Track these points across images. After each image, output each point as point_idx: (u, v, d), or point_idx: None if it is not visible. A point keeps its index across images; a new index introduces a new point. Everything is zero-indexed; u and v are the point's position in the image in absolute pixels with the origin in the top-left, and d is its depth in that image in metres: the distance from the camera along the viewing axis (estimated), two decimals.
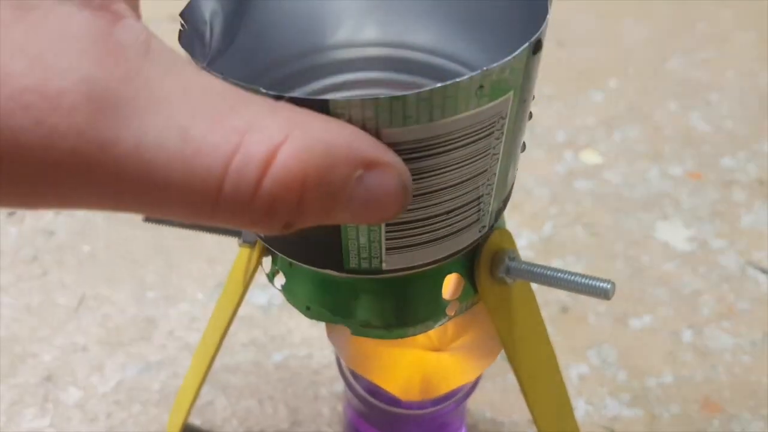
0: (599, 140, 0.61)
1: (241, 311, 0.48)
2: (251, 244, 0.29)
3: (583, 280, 0.24)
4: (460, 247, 0.23)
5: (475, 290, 0.26)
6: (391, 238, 0.21)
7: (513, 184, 0.25)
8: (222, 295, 0.34)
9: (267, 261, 0.29)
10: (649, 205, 0.55)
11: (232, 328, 0.47)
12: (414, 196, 0.20)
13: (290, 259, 0.25)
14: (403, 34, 0.29)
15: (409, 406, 0.32)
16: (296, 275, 0.27)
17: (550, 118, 0.63)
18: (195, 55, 0.22)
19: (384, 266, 0.22)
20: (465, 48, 0.28)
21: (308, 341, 0.46)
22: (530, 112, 0.24)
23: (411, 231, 0.21)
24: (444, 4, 0.28)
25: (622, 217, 0.54)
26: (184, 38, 0.22)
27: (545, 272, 0.25)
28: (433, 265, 0.24)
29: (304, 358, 0.45)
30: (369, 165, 0.16)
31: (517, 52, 0.19)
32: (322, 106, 0.18)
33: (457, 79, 0.18)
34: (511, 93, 0.20)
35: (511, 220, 0.53)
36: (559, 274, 0.25)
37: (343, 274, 0.23)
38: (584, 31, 0.75)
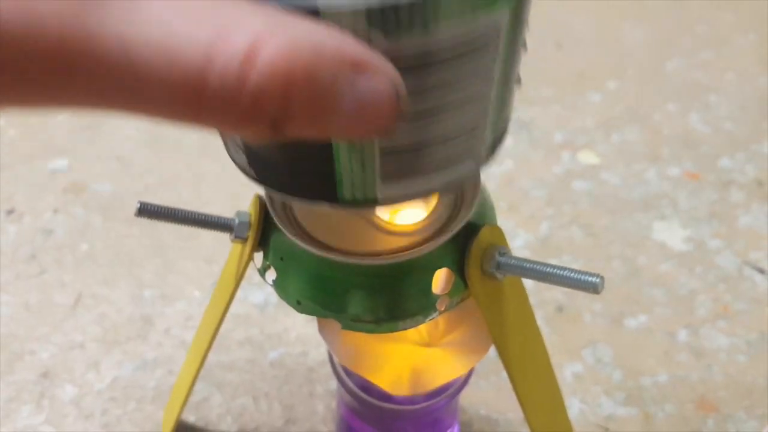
0: (597, 141, 0.61)
1: (237, 310, 0.48)
2: (243, 240, 0.29)
3: (572, 275, 0.25)
4: (455, 178, 0.22)
5: (466, 285, 0.27)
6: (385, 163, 0.20)
7: (509, 120, 0.24)
8: (215, 290, 0.34)
9: (259, 257, 0.29)
10: (647, 206, 0.55)
11: (229, 325, 0.47)
12: (407, 120, 0.19)
13: (282, 192, 0.23)
14: None
15: (401, 401, 0.32)
16: (287, 270, 0.27)
17: (548, 119, 0.63)
18: None
19: (378, 195, 0.21)
20: None
21: (304, 339, 0.46)
22: (525, 41, 0.23)
23: (406, 156, 0.20)
24: None
25: (619, 217, 0.54)
26: None
27: (535, 267, 0.26)
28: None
29: (299, 355, 0.45)
30: (359, 67, 0.15)
31: None
32: (311, 12, 0.17)
33: None
34: (507, 8, 0.19)
35: (507, 221, 0.54)
36: (549, 269, 0.25)
37: (337, 206, 0.22)
38: (583, 33, 0.75)
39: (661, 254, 0.51)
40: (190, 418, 0.42)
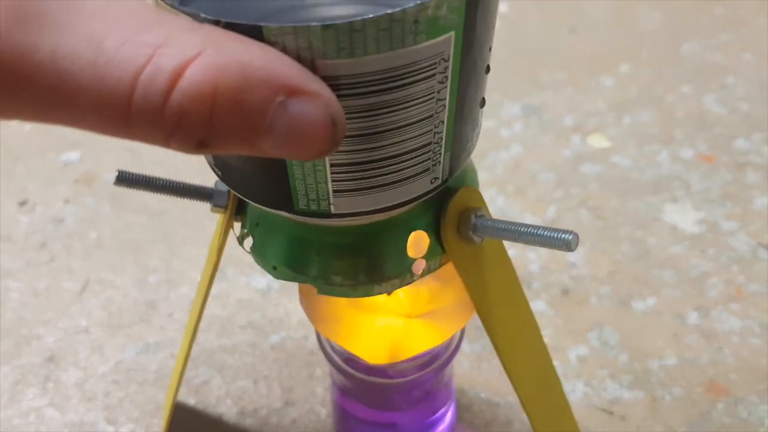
0: (608, 124, 0.60)
1: (240, 294, 0.48)
2: (222, 208, 0.29)
3: (545, 233, 0.24)
4: (411, 196, 0.23)
5: (443, 249, 0.26)
6: (336, 180, 0.21)
7: (474, 139, 0.25)
8: (205, 266, 0.34)
9: (237, 226, 0.29)
10: (658, 188, 0.53)
11: (232, 310, 0.47)
12: (356, 136, 0.20)
13: (245, 198, 0.24)
14: None
15: (388, 374, 0.31)
16: (263, 236, 0.27)
17: (559, 103, 0.62)
18: None
19: (332, 209, 0.22)
20: None
21: (305, 323, 0.46)
22: (488, 66, 0.24)
23: (356, 174, 0.21)
24: None
25: (630, 200, 0.53)
26: None
27: (510, 227, 0.25)
28: (386, 214, 0.23)
29: (300, 339, 0.45)
30: (292, 91, 0.15)
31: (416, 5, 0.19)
32: (254, 32, 0.18)
33: (389, 11, 0.18)
34: (452, 34, 0.20)
35: (514, 204, 0.53)
36: (523, 228, 0.24)
37: (296, 216, 0.23)
38: (597, 16, 0.73)
39: (672, 236, 0.50)
40: (190, 400, 0.42)
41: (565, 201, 0.53)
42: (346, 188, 0.22)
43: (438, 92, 0.21)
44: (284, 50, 0.18)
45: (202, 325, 0.47)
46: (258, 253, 0.27)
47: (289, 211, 0.23)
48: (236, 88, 0.14)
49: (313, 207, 0.23)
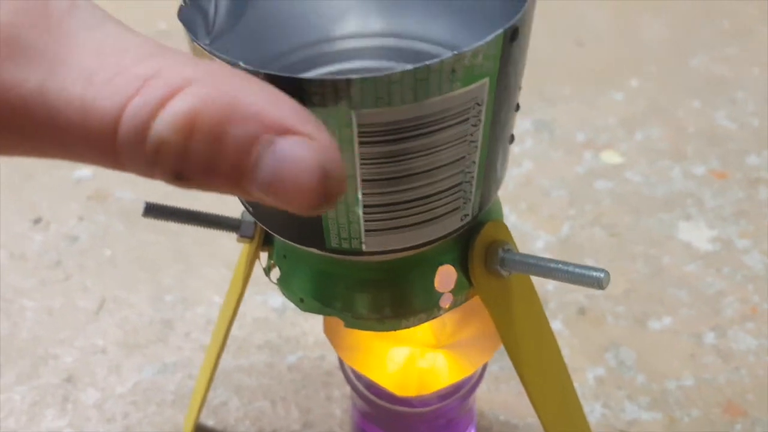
0: (620, 140, 0.60)
1: (256, 313, 0.48)
2: (249, 239, 0.29)
3: (576, 270, 0.24)
4: (442, 234, 0.23)
5: (470, 283, 0.26)
6: (369, 220, 0.21)
7: (502, 175, 0.25)
8: (228, 292, 0.34)
9: (264, 256, 0.29)
10: (671, 205, 0.54)
11: (248, 329, 0.48)
12: (390, 179, 0.20)
13: (275, 234, 0.25)
14: (407, 25, 0.29)
15: (412, 404, 0.31)
16: (290, 268, 0.27)
17: (570, 118, 0.62)
18: (195, 32, 0.23)
19: (364, 248, 0.22)
20: (464, 38, 0.29)
21: (321, 343, 0.46)
22: (517, 104, 0.24)
23: (389, 214, 0.21)
24: None
25: (643, 217, 0.53)
26: (184, 13, 0.23)
27: (539, 263, 0.25)
28: (416, 250, 0.23)
29: (317, 359, 0.45)
30: (283, 130, 0.14)
31: (489, 38, 0.19)
32: (295, 84, 0.18)
33: (428, 62, 0.18)
34: (487, 80, 0.20)
35: (527, 221, 0.53)
36: (553, 265, 0.25)
37: (326, 253, 0.23)
38: (603, 29, 0.74)
39: (686, 254, 0.50)
40: (208, 422, 0.42)
41: (579, 218, 0.53)
42: (379, 228, 0.22)
43: (471, 135, 0.21)
44: (323, 100, 0.18)
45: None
46: (285, 285, 0.27)
47: (320, 249, 0.23)
48: (218, 120, 0.14)
49: (345, 245, 0.23)
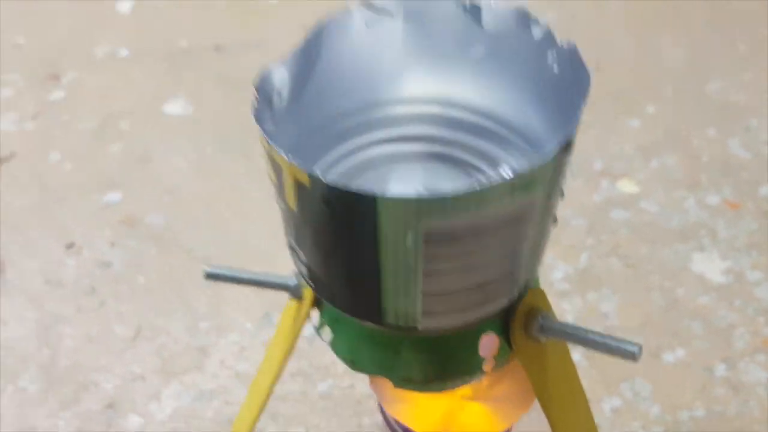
0: (636, 168, 0.61)
1: None
2: (300, 299, 0.31)
3: (611, 342, 0.26)
4: (491, 312, 0.25)
5: (511, 347, 0.28)
6: (427, 305, 0.23)
7: (542, 259, 0.27)
8: (272, 344, 0.36)
9: (315, 314, 0.31)
10: (686, 236, 0.55)
11: None
12: (449, 272, 0.22)
13: (339, 309, 0.27)
14: (450, 93, 0.31)
15: None
16: (342, 330, 0.29)
17: (588, 145, 0.64)
18: (264, 124, 0.25)
19: (419, 327, 0.24)
20: (508, 110, 0.30)
21: (351, 372, 0.48)
22: (561, 190, 0.26)
23: (445, 300, 0.23)
24: (489, 68, 0.30)
25: (658, 248, 0.55)
26: (257, 111, 0.25)
27: (576, 332, 0.27)
28: (467, 327, 0.25)
29: (347, 388, 0.47)
30: None
31: (546, 155, 0.21)
32: (368, 200, 0.20)
33: (493, 183, 0.20)
34: (542, 186, 0.22)
35: (547, 252, 0.55)
36: (590, 335, 0.27)
37: (383, 328, 0.25)
38: (622, 52, 0.75)
39: (699, 286, 0.52)
40: None
41: (597, 248, 0.55)
42: (435, 311, 0.24)
43: (523, 232, 0.23)
44: (393, 216, 0.20)
45: (252, 372, 0.49)
46: (336, 346, 0.29)
47: (376, 324, 0.25)
48: None
49: (401, 323, 0.25)
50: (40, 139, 0.67)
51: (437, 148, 0.32)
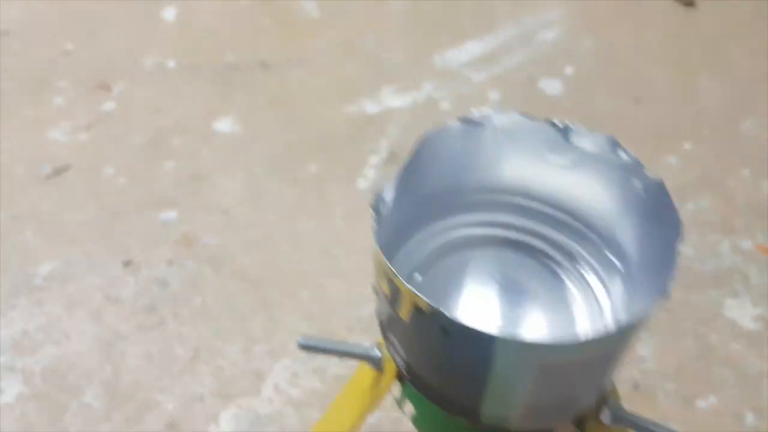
0: None
1: (336, 370, 0.53)
2: (381, 371, 0.34)
3: None
4: (575, 415, 0.28)
5: None
6: (524, 413, 0.26)
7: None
8: (343, 404, 0.38)
9: (396, 385, 0.34)
10: (720, 282, 0.58)
11: (330, 385, 0.52)
12: (549, 391, 0.25)
13: (430, 401, 0.29)
14: (533, 188, 0.34)
15: None
16: (426, 411, 0.32)
17: None
18: (379, 238, 0.27)
19: (510, 429, 0.27)
20: (589, 211, 0.33)
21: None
22: None
23: (540, 409, 0.26)
24: (574, 174, 0.32)
25: (693, 293, 0.57)
26: (376, 234, 0.27)
27: (645, 424, 0.30)
28: None
29: (395, 420, 0.50)
30: None
31: (648, 311, 0.23)
32: (488, 340, 0.22)
33: (602, 334, 0.23)
34: (638, 330, 0.24)
35: None
36: (657, 428, 0.29)
37: (475, 426, 0.28)
38: (661, 87, 0.76)
39: (731, 333, 0.54)
40: None
41: None
42: (529, 416, 0.27)
43: (617, 359, 0.26)
44: (511, 353, 0.23)
45: (304, 399, 0.52)
46: (419, 423, 0.32)
47: (471, 422, 0.28)
48: None
49: (494, 423, 0.27)
50: (93, 151, 0.68)
51: (513, 235, 0.35)
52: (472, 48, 0.80)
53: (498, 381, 0.25)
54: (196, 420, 0.50)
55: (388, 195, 0.29)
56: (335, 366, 0.53)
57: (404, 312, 0.26)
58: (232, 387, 0.52)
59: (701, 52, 0.80)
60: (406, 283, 0.24)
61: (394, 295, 0.26)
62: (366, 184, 0.66)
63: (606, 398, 0.31)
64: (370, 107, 0.73)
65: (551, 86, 0.76)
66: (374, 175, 0.67)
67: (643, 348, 0.54)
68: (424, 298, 0.23)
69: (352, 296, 0.57)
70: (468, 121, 0.31)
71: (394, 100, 0.74)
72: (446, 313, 0.23)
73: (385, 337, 0.30)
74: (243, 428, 0.50)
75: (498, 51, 0.80)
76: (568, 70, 0.77)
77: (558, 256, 0.34)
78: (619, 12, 0.85)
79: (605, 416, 0.30)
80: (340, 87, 0.75)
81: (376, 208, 0.28)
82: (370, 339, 0.56)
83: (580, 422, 0.31)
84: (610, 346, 0.24)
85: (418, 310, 0.25)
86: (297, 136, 0.70)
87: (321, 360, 0.54)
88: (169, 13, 0.85)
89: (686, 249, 0.60)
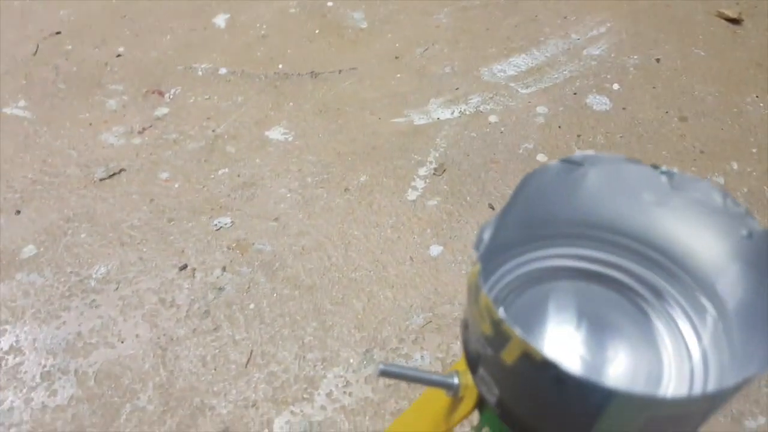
0: None
1: (389, 382, 0.53)
2: (458, 397, 0.34)
3: None
4: None
5: None
6: None
7: None
8: (409, 422, 0.38)
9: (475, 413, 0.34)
10: None
11: (381, 394, 0.53)
12: None
13: None
14: (626, 226, 0.34)
15: None
16: None
17: None
18: (483, 280, 0.27)
19: None
20: (684, 253, 0.33)
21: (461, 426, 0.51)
22: None
23: None
24: (673, 214, 0.32)
25: None
26: (482, 279, 0.27)
27: None
28: None
29: None
30: None
31: (740, 383, 0.24)
32: (604, 393, 0.23)
33: (704, 394, 0.23)
34: (728, 396, 0.24)
35: None
36: None
37: None
38: (708, 104, 0.76)
39: None
40: None
41: None
42: None
43: (708, 415, 0.26)
44: (623, 406, 0.23)
45: (357, 407, 0.52)
46: None
47: None
48: None
49: None
50: (147, 155, 0.69)
51: (606, 270, 0.35)
52: (519, 62, 0.81)
53: (602, 428, 0.25)
54: (249, 425, 0.51)
55: (487, 235, 0.29)
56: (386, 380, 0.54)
57: (509, 356, 0.26)
58: (286, 393, 0.53)
59: (748, 69, 0.80)
60: (519, 333, 0.24)
61: (498, 340, 0.26)
62: (415, 195, 0.66)
63: None
64: (418, 119, 0.73)
65: (599, 102, 0.76)
66: (423, 185, 0.67)
67: (751, 422, 0.53)
68: (539, 350, 0.23)
69: (402, 306, 0.58)
70: (569, 162, 0.31)
71: (442, 112, 0.74)
72: (561, 366, 0.23)
73: (474, 371, 0.30)
74: None
75: (545, 65, 0.80)
76: (615, 86, 0.77)
77: (647, 294, 0.34)
78: (664, 29, 0.86)
79: None
80: (389, 98, 0.76)
81: (478, 248, 0.28)
82: (420, 350, 0.56)
83: None
84: (705, 404, 0.24)
85: (527, 357, 0.25)
86: (347, 145, 0.71)
87: (373, 369, 0.54)
88: (220, 20, 0.86)
89: None
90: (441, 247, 0.62)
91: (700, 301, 0.32)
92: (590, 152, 0.32)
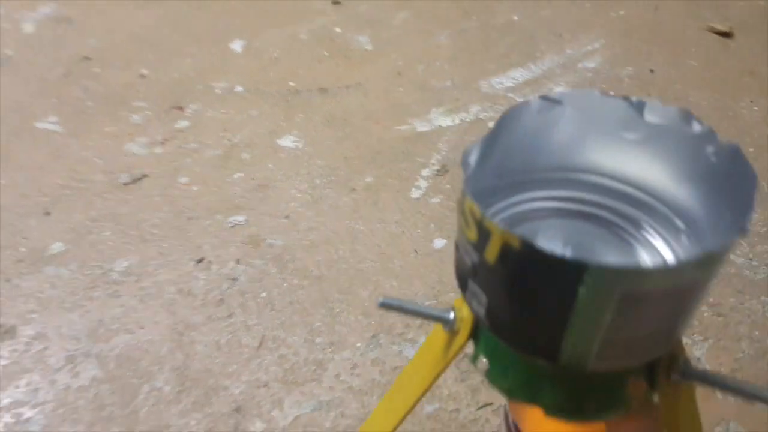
0: None
1: (394, 362, 0.55)
2: (454, 332, 0.36)
3: (748, 388, 0.30)
4: (651, 358, 0.29)
5: (653, 390, 0.32)
6: (602, 348, 0.28)
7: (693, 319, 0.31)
8: (414, 367, 0.40)
9: (469, 343, 0.36)
10: None
11: (389, 376, 0.54)
12: (628, 326, 0.27)
13: (510, 346, 0.31)
14: (606, 165, 0.36)
15: None
16: (499, 363, 0.34)
17: None
18: (472, 191, 0.30)
19: (588, 366, 0.29)
20: (660, 184, 0.35)
21: (455, 396, 0.53)
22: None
23: (618, 347, 0.28)
24: (646, 149, 0.35)
25: (746, 299, 0.58)
26: (466, 182, 0.29)
27: (715, 378, 0.31)
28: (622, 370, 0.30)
29: (452, 411, 0.52)
30: None
31: (729, 240, 0.25)
32: (578, 266, 0.24)
33: (685, 260, 0.25)
34: (717, 263, 0.26)
35: None
36: (728, 381, 0.31)
37: (552, 365, 0.29)
38: (702, 109, 0.79)
39: None
40: None
41: None
42: (606, 356, 0.28)
43: (696, 296, 0.27)
44: (597, 280, 0.25)
45: (364, 387, 0.54)
46: (492, 376, 0.34)
47: (550, 362, 0.30)
48: None
49: (573, 363, 0.29)
50: (168, 163, 0.73)
51: (585, 208, 0.37)
52: (516, 75, 0.84)
53: (581, 315, 0.26)
54: (261, 404, 0.53)
55: (473, 158, 0.32)
56: (394, 358, 0.55)
57: (491, 253, 0.28)
58: (296, 375, 0.54)
59: (741, 77, 0.83)
60: (498, 224, 0.26)
61: (482, 240, 0.28)
62: (419, 194, 0.69)
63: (676, 354, 0.32)
64: (421, 126, 0.77)
65: None
66: (426, 185, 0.70)
67: (696, 349, 0.54)
68: (515, 234, 0.25)
69: (407, 294, 0.60)
70: (547, 99, 0.34)
71: (443, 120, 0.78)
72: (535, 244, 0.25)
73: (465, 290, 0.32)
74: (306, 412, 0.52)
75: (541, 77, 0.84)
76: (611, 94, 0.80)
77: (626, 226, 0.36)
78: (657, 43, 0.89)
79: (675, 372, 0.32)
80: (392, 109, 0.80)
81: (464, 163, 0.30)
82: (425, 335, 0.58)
83: (651, 380, 0.32)
84: (691, 276, 0.25)
85: (508, 249, 0.27)
86: (353, 151, 0.74)
87: (379, 352, 0.56)
88: (237, 45, 0.91)
89: (738, 258, 0.62)
90: (445, 240, 0.65)
91: (675, 224, 0.34)
92: (566, 90, 0.35)
